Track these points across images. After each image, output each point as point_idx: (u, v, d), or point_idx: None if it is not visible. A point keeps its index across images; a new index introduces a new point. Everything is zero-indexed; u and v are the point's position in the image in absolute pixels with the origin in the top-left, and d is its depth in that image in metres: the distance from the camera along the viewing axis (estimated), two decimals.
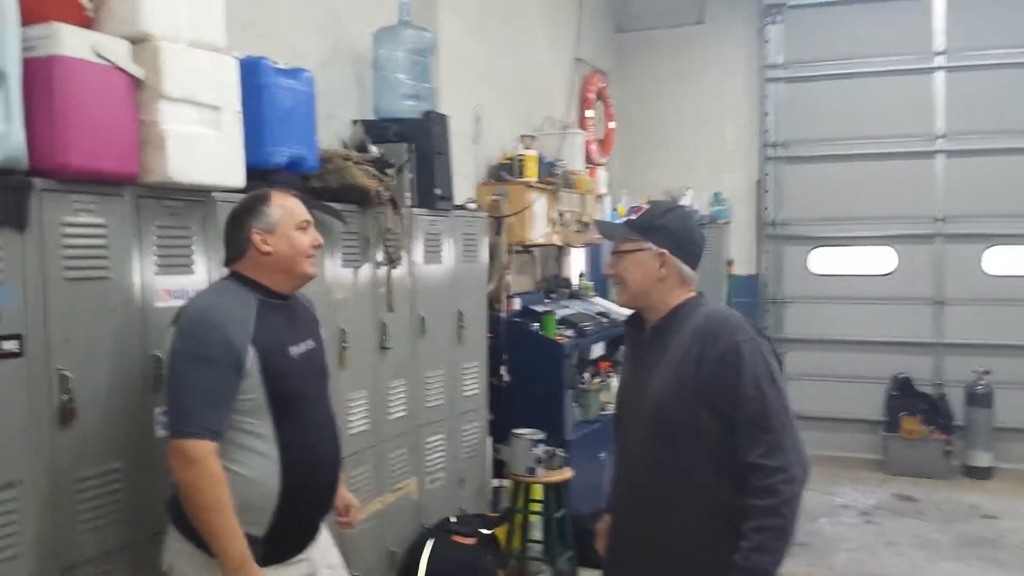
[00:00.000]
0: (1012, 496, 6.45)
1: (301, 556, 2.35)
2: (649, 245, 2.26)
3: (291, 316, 2.40)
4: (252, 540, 2.20)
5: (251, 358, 2.21)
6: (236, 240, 2.37)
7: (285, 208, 2.38)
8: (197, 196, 2.73)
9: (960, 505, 6.25)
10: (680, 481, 2.19)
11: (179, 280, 2.67)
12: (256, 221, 2.34)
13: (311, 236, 2.40)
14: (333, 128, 3.98)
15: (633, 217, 2.36)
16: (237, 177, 2.79)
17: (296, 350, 2.34)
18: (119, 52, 2.42)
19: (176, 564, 2.29)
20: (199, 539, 2.20)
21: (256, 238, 2.33)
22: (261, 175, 3.04)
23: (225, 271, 2.46)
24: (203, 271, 2.75)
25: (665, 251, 2.25)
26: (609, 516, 2.52)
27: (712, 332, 2.17)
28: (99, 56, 2.36)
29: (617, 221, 2.45)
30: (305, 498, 2.30)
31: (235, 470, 2.22)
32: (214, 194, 2.79)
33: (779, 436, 2.09)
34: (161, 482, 2.56)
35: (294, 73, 3.24)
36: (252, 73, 3.00)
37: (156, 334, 2.54)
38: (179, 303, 2.65)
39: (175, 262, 2.66)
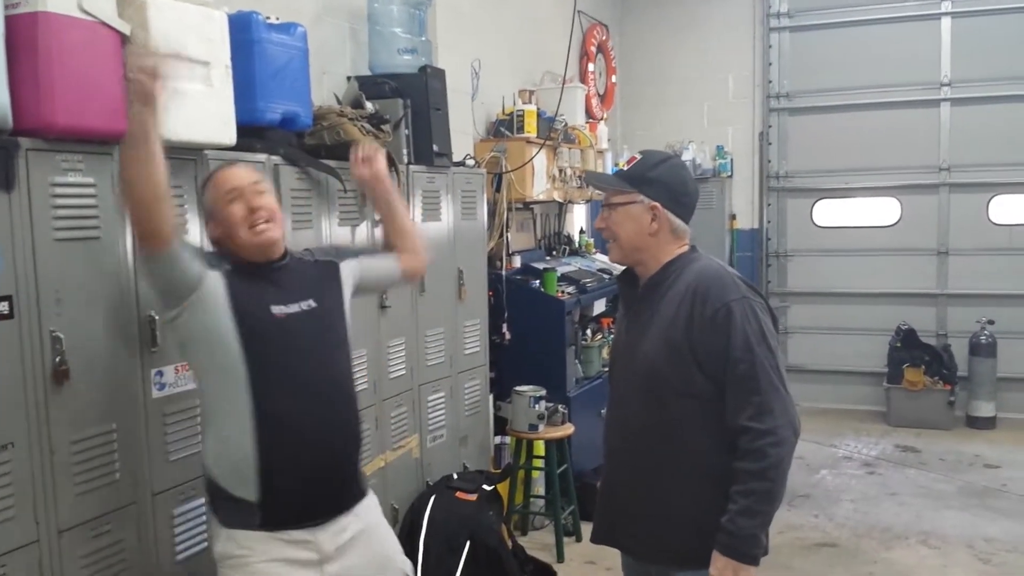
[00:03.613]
0: (1015, 446, 6.46)
1: (305, 536, 2.23)
2: (641, 198, 2.19)
3: (278, 279, 2.30)
4: (248, 505, 2.18)
5: (216, 277, 2.19)
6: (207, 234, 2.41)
7: (215, 186, 2.32)
8: (188, 154, 2.69)
9: (963, 455, 6.26)
10: (670, 442, 2.16)
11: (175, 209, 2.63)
12: (205, 212, 2.36)
13: (243, 203, 2.26)
14: (327, 84, 3.93)
15: (624, 167, 2.27)
16: (228, 134, 2.75)
17: (281, 309, 2.24)
18: (105, 7, 2.37)
19: (213, 546, 2.29)
20: (219, 515, 2.24)
21: (208, 228, 2.35)
22: (254, 132, 3.01)
23: None
24: (195, 230, 2.72)
25: (657, 204, 2.18)
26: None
27: (702, 291, 2.11)
28: (84, 12, 2.32)
29: (607, 173, 2.34)
30: (293, 465, 2.20)
31: (221, 429, 2.23)
32: (206, 152, 2.75)
33: (768, 398, 2.05)
34: (156, 443, 2.57)
35: (286, 28, 3.17)
36: (243, 29, 2.94)
37: (149, 294, 2.51)
38: None
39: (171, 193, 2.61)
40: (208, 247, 2.42)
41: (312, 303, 2.32)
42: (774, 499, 2.06)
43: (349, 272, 2.50)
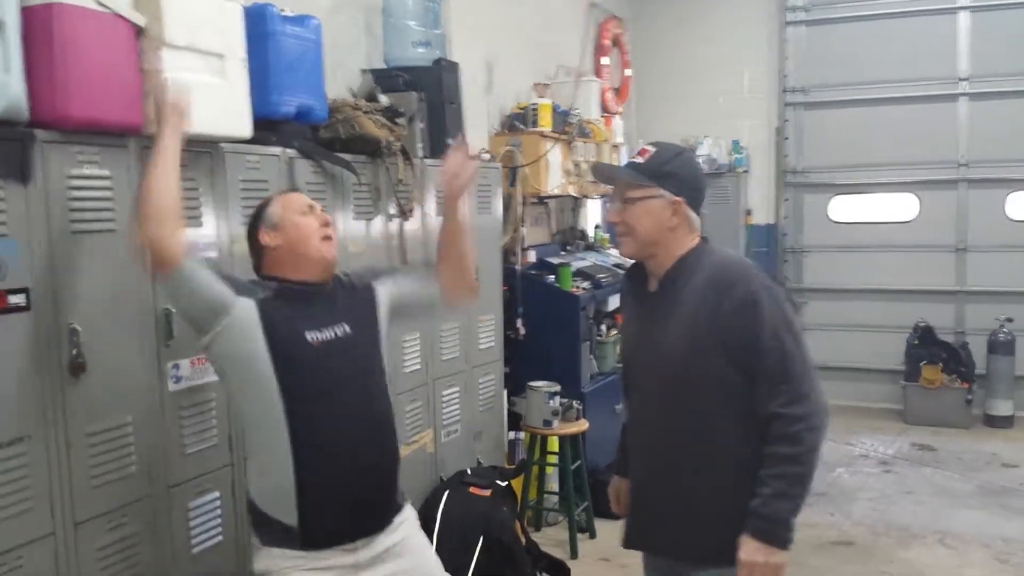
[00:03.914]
0: None
1: (349, 547, 2.23)
2: (662, 192, 2.14)
3: (318, 303, 2.27)
4: (288, 528, 2.17)
5: (249, 306, 2.15)
6: (253, 249, 2.35)
7: (285, 201, 2.34)
8: (203, 147, 2.68)
9: (980, 454, 6.21)
10: (702, 437, 2.12)
11: (188, 233, 2.62)
12: (262, 223, 2.32)
13: (318, 217, 2.31)
14: (342, 77, 3.91)
15: (639, 160, 2.18)
16: (244, 127, 2.74)
17: (316, 335, 2.20)
18: None
19: (254, 563, 2.28)
20: (261, 536, 2.23)
21: (265, 238, 2.30)
22: (268, 125, 3.00)
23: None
24: (211, 223, 2.73)
25: (681, 200, 2.14)
26: (622, 477, 2.46)
27: (727, 281, 2.08)
28: (99, 3, 2.31)
29: (619, 165, 2.25)
30: (330, 492, 2.18)
31: (260, 455, 2.23)
32: (221, 145, 2.75)
33: (799, 385, 2.03)
34: (172, 434, 2.57)
35: (301, 20, 3.16)
36: (257, 21, 2.93)
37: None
38: None
39: (183, 214, 2.60)
40: (247, 268, 2.42)
41: (347, 328, 2.27)
42: (806, 485, 2.04)
43: (385, 294, 2.43)
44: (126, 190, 2.42)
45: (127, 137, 2.43)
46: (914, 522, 4.96)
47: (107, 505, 2.37)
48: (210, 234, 2.72)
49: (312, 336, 2.20)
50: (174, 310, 2.29)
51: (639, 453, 2.30)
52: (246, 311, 2.15)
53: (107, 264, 2.37)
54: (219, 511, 2.73)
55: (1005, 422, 6.85)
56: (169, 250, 2.08)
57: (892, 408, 7.22)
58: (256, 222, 2.33)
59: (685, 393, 2.12)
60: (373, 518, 2.28)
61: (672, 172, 2.17)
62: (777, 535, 2.02)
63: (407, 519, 2.39)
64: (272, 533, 2.20)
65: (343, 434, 2.21)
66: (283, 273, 2.27)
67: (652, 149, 2.20)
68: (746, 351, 2.06)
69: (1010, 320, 6.82)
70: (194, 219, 2.66)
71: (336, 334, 2.24)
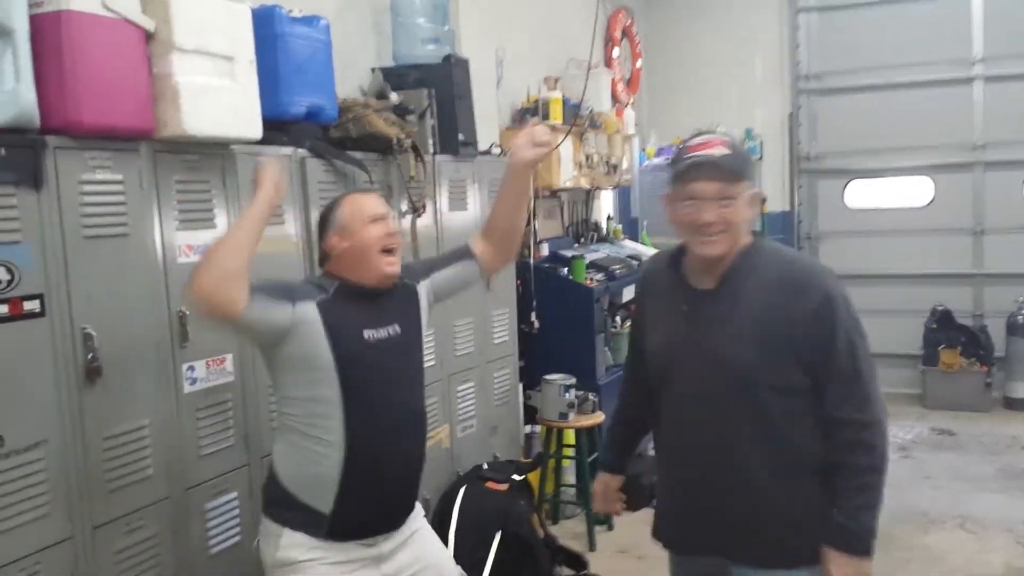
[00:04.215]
0: None
1: (368, 542, 2.28)
2: (751, 184, 2.04)
3: (376, 303, 2.31)
4: (318, 515, 2.20)
5: (310, 309, 2.17)
6: (321, 247, 2.38)
7: (354, 205, 2.34)
8: (215, 149, 2.70)
9: (1000, 437, 6.17)
10: (768, 440, 2.03)
11: (200, 235, 2.65)
12: (331, 226, 2.33)
13: (384, 227, 2.31)
14: (352, 77, 3.92)
15: (725, 152, 2.00)
16: (254, 129, 2.75)
17: (372, 333, 2.26)
18: (128, 4, 2.38)
19: (261, 545, 2.30)
20: (282, 519, 2.23)
21: (330, 241, 2.32)
22: (279, 126, 3.01)
23: None
24: (224, 225, 2.73)
25: (762, 192, 2.09)
26: (612, 475, 2.45)
27: (801, 283, 2.00)
28: (108, 9, 2.33)
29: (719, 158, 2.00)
30: (370, 486, 2.23)
31: (303, 444, 2.23)
32: (232, 147, 2.76)
33: (870, 388, 1.99)
34: (189, 436, 2.59)
35: (309, 21, 3.18)
36: (266, 22, 2.95)
37: (179, 290, 2.54)
38: None
39: (196, 217, 2.64)
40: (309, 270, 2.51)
41: (397, 328, 2.33)
42: (882, 490, 2.00)
43: (425, 293, 2.48)
44: (138, 194, 2.44)
45: (138, 141, 2.45)
46: (933, 507, 4.93)
47: (125, 508, 2.39)
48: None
49: (369, 334, 2.25)
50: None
51: (686, 455, 2.16)
52: (308, 315, 2.17)
53: (121, 268, 2.39)
54: (237, 511, 2.75)
55: None
56: (232, 307, 2.04)
57: (911, 393, 7.18)
58: (325, 223, 2.36)
59: (751, 396, 2.02)
60: (400, 514, 2.35)
61: (750, 162, 2.12)
62: (867, 547, 1.99)
63: (419, 509, 2.46)
64: (298, 518, 2.22)
65: (392, 431, 2.27)
66: (344, 274, 2.30)
67: (721, 139, 2.03)
68: (819, 353, 1.99)
69: None
70: (206, 221, 2.68)
71: (389, 334, 2.30)
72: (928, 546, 4.45)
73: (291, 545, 2.21)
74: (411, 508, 2.39)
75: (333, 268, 2.33)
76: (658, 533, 2.31)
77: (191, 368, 2.61)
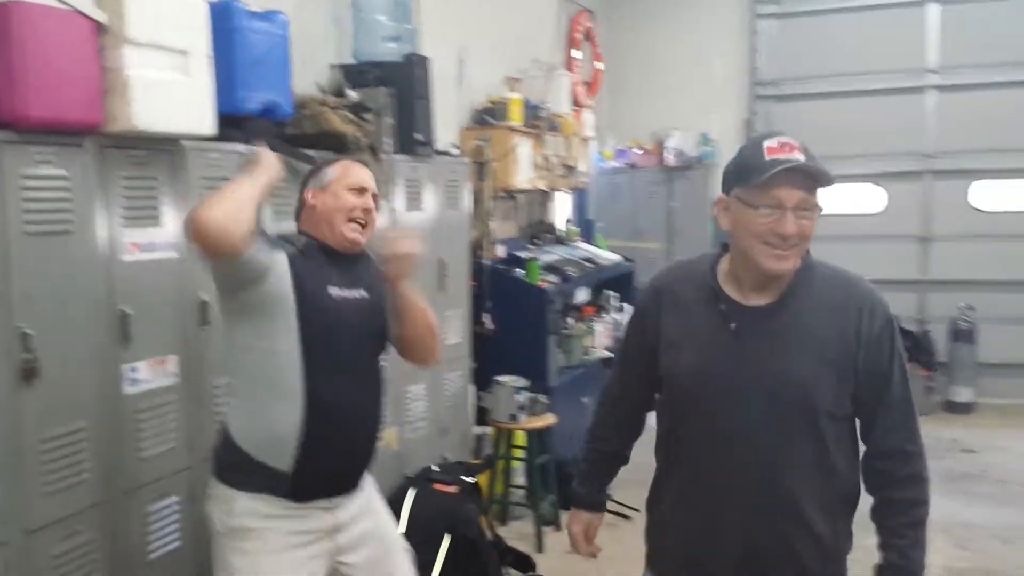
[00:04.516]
0: (993, 430, 6.50)
1: (327, 504, 2.29)
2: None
3: (343, 266, 2.34)
4: (278, 474, 2.20)
5: (280, 258, 2.21)
6: (299, 198, 2.42)
7: (345, 170, 2.39)
8: (164, 145, 2.64)
9: (941, 440, 6.28)
10: (818, 469, 1.88)
11: (147, 233, 2.60)
12: (313, 180, 2.39)
13: (362, 200, 2.35)
14: (310, 73, 3.85)
15: (812, 157, 1.80)
16: (207, 124, 2.70)
17: (338, 292, 2.29)
18: None
19: (211, 509, 2.28)
20: (232, 481, 2.23)
21: (307, 194, 2.37)
22: (233, 122, 2.96)
23: None
24: (171, 223, 2.68)
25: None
26: (593, 512, 2.24)
27: (864, 304, 1.86)
28: (59, 0, 2.26)
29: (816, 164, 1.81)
30: (331, 442, 2.23)
31: (261, 399, 2.22)
32: (183, 142, 2.70)
33: (915, 419, 1.91)
34: (128, 439, 2.53)
35: (267, 16, 3.12)
36: (223, 16, 2.89)
37: (123, 289, 2.49)
38: (148, 257, 2.60)
39: (142, 214, 2.59)
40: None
41: (364, 293, 2.36)
42: (928, 522, 1.93)
43: None
44: (82, 189, 2.38)
45: (84, 136, 2.38)
46: None
47: (61, 512, 2.33)
48: (170, 233, 2.67)
49: (334, 291, 2.28)
50: (210, 275, 2.25)
51: (726, 493, 1.92)
52: (279, 263, 2.21)
53: (63, 266, 2.33)
54: (177, 516, 2.69)
55: (965, 408, 6.98)
56: (238, 245, 2.06)
57: None
58: (310, 176, 2.42)
59: (812, 423, 1.86)
60: (356, 476, 2.38)
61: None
62: None
63: (371, 480, 2.49)
64: (255, 479, 2.20)
65: (351, 389, 2.30)
66: (313, 232, 2.34)
67: (798, 143, 1.81)
68: (878, 380, 1.87)
69: (971, 308, 6.93)
70: (153, 218, 2.63)
71: (355, 296, 2.33)
72: (869, 547, 4.50)
73: (246, 512, 2.19)
74: (368, 467, 2.42)
75: (304, 224, 2.38)
76: (664, 570, 2.09)
77: (133, 369, 2.55)
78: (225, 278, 2.21)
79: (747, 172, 1.81)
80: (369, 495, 2.46)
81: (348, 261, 2.36)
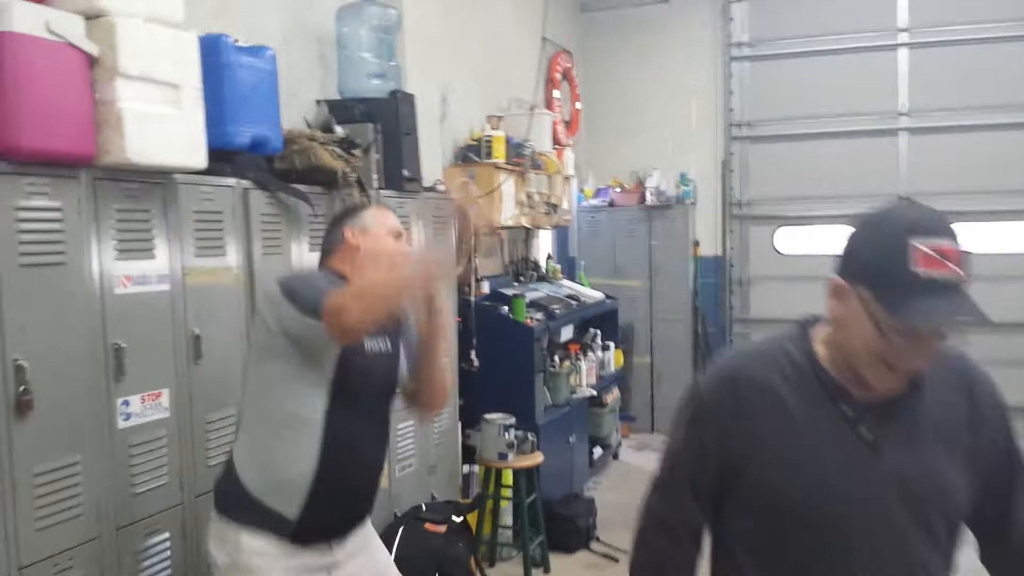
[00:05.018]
0: None
1: (326, 547, 2.27)
2: None
3: None
4: (281, 520, 2.17)
5: None
6: (331, 238, 2.41)
7: (379, 215, 2.42)
8: (157, 178, 2.63)
9: None
10: (948, 571, 1.57)
11: (140, 266, 2.58)
12: (351, 221, 2.39)
13: (401, 246, 2.38)
14: (296, 108, 3.87)
15: (968, 273, 1.41)
16: (199, 158, 2.70)
17: (371, 345, 2.29)
18: (73, 28, 2.32)
19: (212, 544, 2.25)
20: (235, 517, 2.20)
21: (347, 233, 2.35)
22: (223, 156, 2.96)
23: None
24: (164, 256, 2.66)
25: None
26: None
27: (980, 382, 1.58)
28: (52, 32, 2.27)
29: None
30: (337, 492, 2.22)
31: (278, 444, 2.20)
32: (175, 176, 2.70)
33: None
34: (121, 474, 2.49)
35: (255, 51, 3.15)
36: (212, 51, 2.90)
37: (116, 322, 2.47)
38: (141, 290, 2.58)
39: (135, 247, 2.57)
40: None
41: (388, 344, 2.36)
42: None
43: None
44: (76, 222, 2.36)
45: (79, 168, 2.37)
46: None
47: (53, 548, 2.27)
48: (162, 266, 2.65)
49: (369, 345, 2.28)
50: (274, 323, 2.18)
51: None
52: None
53: (56, 298, 2.30)
54: (169, 552, 2.64)
55: None
56: (358, 335, 2.10)
57: None
58: (344, 217, 2.42)
59: (949, 529, 1.55)
60: (359, 519, 2.38)
61: None
62: None
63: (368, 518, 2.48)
64: (258, 517, 2.18)
65: (364, 440, 2.31)
66: (346, 271, 2.32)
67: (953, 243, 1.40)
68: (1001, 457, 1.58)
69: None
70: (146, 251, 2.61)
71: (381, 348, 2.33)
72: None
73: (247, 549, 2.17)
74: (369, 514, 2.42)
75: (339, 262, 2.34)
76: None
77: (126, 403, 2.51)
78: (301, 338, 2.16)
79: (884, 279, 1.40)
80: (367, 531, 2.44)
81: None
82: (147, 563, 2.57)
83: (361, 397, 2.27)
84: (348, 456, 2.24)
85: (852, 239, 1.51)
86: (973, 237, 7.07)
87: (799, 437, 1.50)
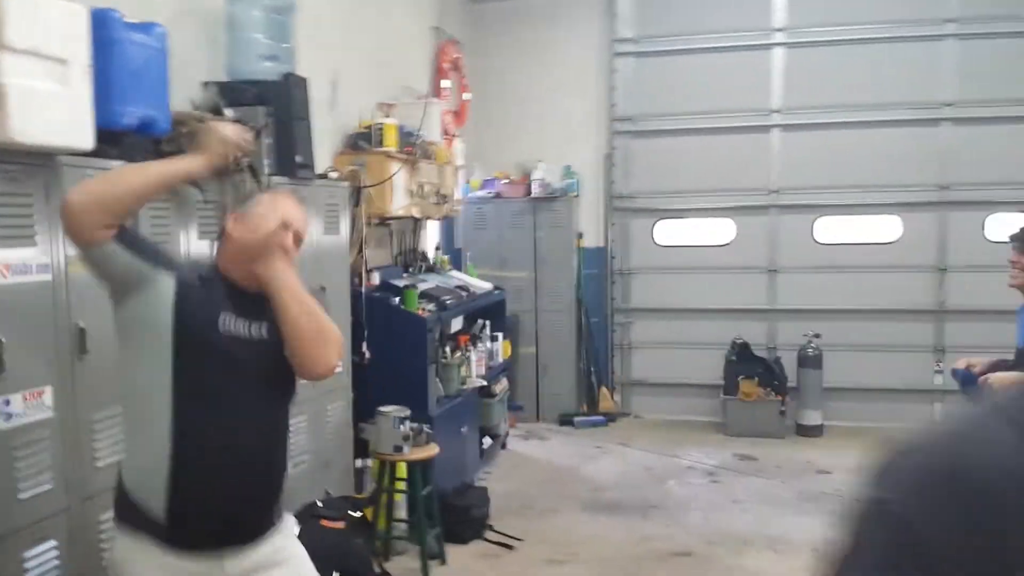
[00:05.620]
0: (841, 451, 6.83)
1: (212, 555, 2.09)
2: None
3: (248, 299, 2.15)
4: (153, 518, 2.03)
5: (167, 279, 2.05)
6: (221, 223, 2.30)
7: (274, 202, 2.25)
8: (39, 159, 2.45)
9: (797, 462, 6.60)
10: None
11: (19, 254, 2.41)
12: (249, 210, 2.23)
13: (287, 238, 2.17)
14: (182, 89, 3.67)
15: None
16: (86, 138, 2.54)
17: (227, 325, 2.10)
18: None
19: (112, 551, 2.13)
20: (116, 515, 2.10)
21: (230, 220, 2.21)
22: (109, 137, 2.79)
23: None
24: (46, 243, 2.48)
25: None
26: None
27: None
28: None
29: None
30: (205, 489, 2.06)
31: (133, 431, 2.10)
32: (59, 158, 2.52)
33: None
34: (2, 478, 2.31)
35: (145, 28, 2.99)
36: (101, 26, 2.74)
37: None
38: (21, 280, 2.39)
39: (14, 233, 2.40)
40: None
41: (264, 331, 2.16)
42: None
43: None
44: None
45: None
46: (745, 529, 5.20)
47: None
48: (44, 254, 2.47)
49: (226, 321, 2.11)
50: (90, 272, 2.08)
51: None
52: (162, 283, 2.05)
53: None
54: (56, 562, 2.47)
55: (815, 431, 7.35)
56: (90, 232, 1.93)
57: (714, 421, 7.57)
58: (239, 200, 2.34)
59: None
60: (244, 531, 2.16)
61: None
62: None
63: (281, 530, 2.27)
64: (138, 518, 2.05)
65: (231, 433, 2.09)
66: (223, 264, 2.19)
67: None
68: None
69: (817, 336, 7.33)
70: (26, 238, 2.42)
71: (251, 333, 2.14)
72: (744, 567, 4.68)
73: (124, 548, 2.06)
74: (266, 523, 2.19)
75: (220, 253, 2.22)
76: None
77: (6, 401, 2.34)
78: (100, 279, 2.07)
79: None
80: (278, 547, 2.23)
81: (254, 298, 2.16)
82: (33, 572, 2.40)
83: (221, 385, 2.09)
84: (211, 448, 2.06)
85: None
86: (840, 229, 7.51)
87: None
